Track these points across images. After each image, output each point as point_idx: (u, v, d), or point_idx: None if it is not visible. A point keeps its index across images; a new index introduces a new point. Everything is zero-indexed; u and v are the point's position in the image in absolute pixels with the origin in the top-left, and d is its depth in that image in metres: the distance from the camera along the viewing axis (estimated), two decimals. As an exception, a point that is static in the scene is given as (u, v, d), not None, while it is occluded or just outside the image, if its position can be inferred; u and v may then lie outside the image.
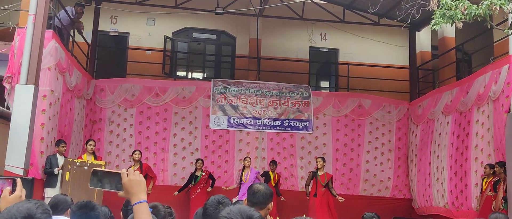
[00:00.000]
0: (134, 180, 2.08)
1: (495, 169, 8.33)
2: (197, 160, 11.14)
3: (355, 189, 12.33)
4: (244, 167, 11.08)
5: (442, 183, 10.46)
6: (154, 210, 3.25)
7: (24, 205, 1.80)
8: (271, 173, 11.24)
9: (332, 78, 15.17)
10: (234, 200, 9.73)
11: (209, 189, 10.86)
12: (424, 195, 11.37)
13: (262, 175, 11.31)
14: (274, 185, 10.99)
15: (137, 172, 2.13)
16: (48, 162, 8.60)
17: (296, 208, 11.18)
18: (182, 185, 11.18)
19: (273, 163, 11.43)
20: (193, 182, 10.90)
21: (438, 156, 10.79)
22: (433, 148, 11.05)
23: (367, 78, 13.33)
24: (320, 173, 10.43)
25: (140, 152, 10.27)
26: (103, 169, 2.20)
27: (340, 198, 10.20)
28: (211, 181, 11.07)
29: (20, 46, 8.13)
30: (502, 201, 7.96)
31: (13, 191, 2.24)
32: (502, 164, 8.19)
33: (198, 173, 10.95)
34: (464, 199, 9.58)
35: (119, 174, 2.11)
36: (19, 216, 1.75)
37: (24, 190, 2.19)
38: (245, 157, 11.27)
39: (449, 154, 10.27)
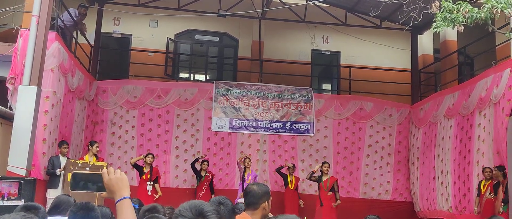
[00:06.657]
0: (115, 178, 2.03)
1: (493, 172, 8.35)
2: (203, 161, 11.13)
3: (355, 192, 12.33)
4: (245, 168, 11.01)
5: (446, 187, 10.43)
6: (153, 210, 3.28)
7: (11, 216, 1.77)
8: (288, 177, 11.09)
9: (334, 81, 15.19)
10: (238, 200, 9.78)
11: (212, 195, 10.73)
12: (427, 198, 11.34)
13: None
14: (293, 189, 10.99)
15: (118, 170, 2.08)
16: (50, 163, 8.63)
17: (299, 211, 11.17)
18: (184, 187, 11.31)
19: (292, 167, 11.24)
20: (197, 182, 10.92)
21: (442, 159, 10.75)
22: (437, 152, 11.02)
23: (369, 81, 13.35)
24: (324, 178, 10.42)
25: (153, 156, 10.30)
26: (82, 171, 2.19)
27: (334, 203, 10.30)
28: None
29: (24, 48, 8.17)
30: (502, 204, 7.97)
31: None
32: (501, 168, 8.22)
33: (203, 173, 10.97)
34: (466, 202, 9.57)
35: (100, 174, 2.07)
36: None
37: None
38: (245, 158, 11.04)
39: (453, 158, 10.25)
